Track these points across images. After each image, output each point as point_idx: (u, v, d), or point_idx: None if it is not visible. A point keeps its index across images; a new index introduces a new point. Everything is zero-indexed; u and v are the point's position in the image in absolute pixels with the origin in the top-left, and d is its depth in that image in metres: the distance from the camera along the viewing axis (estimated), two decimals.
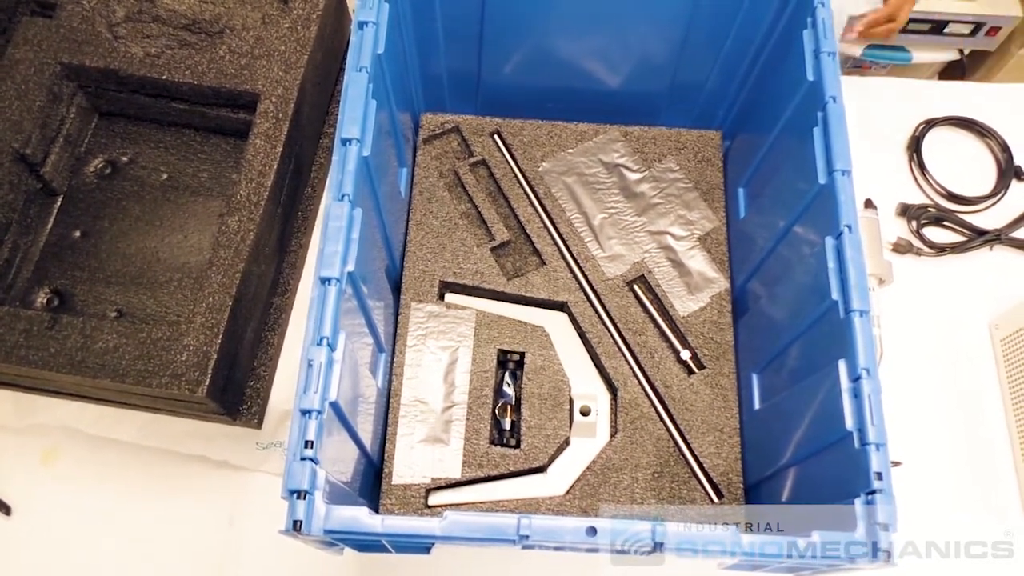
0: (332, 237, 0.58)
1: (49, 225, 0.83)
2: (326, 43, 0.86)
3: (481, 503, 0.73)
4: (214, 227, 0.80)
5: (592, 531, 0.50)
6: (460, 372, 0.78)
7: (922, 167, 0.98)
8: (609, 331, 0.81)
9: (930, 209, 0.95)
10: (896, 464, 0.58)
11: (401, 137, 0.82)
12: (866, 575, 0.54)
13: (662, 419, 0.77)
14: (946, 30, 1.23)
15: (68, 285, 0.81)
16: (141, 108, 0.86)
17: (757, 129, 0.81)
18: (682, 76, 0.85)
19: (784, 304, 0.72)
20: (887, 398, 0.55)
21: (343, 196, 0.60)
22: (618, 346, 0.80)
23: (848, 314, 0.58)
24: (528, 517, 0.50)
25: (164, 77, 0.80)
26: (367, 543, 0.57)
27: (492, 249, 0.84)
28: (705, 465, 0.75)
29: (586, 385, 0.79)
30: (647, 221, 0.87)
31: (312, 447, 0.52)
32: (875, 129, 1.00)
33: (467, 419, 0.76)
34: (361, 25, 0.65)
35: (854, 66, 1.33)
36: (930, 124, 1.00)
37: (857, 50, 1.27)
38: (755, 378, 0.76)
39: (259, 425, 0.80)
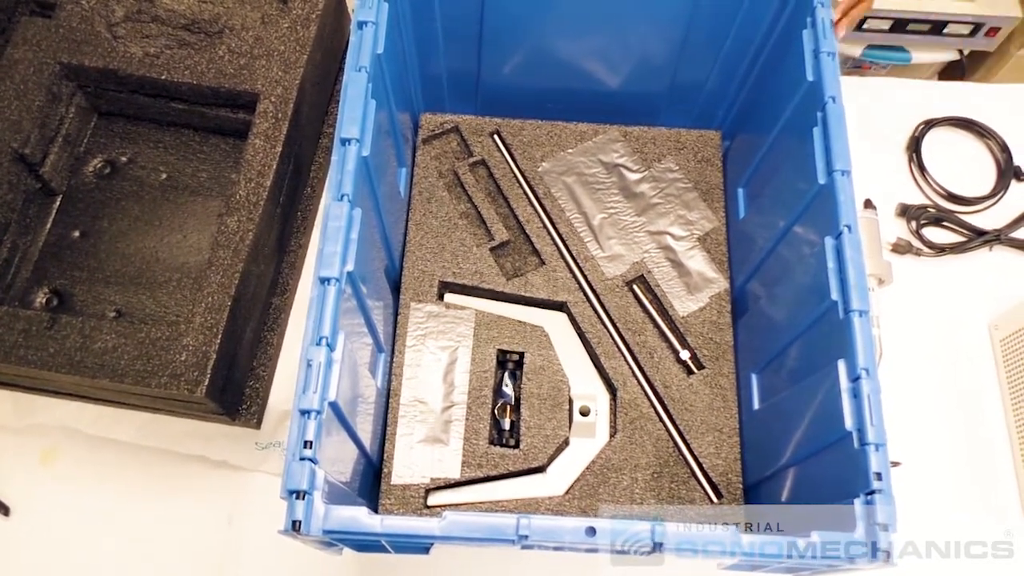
0: (331, 237, 0.58)
1: (48, 225, 0.83)
2: (325, 43, 0.86)
3: (480, 503, 0.73)
4: (213, 227, 0.79)
5: (591, 531, 0.50)
6: (459, 372, 0.78)
7: (922, 167, 0.98)
8: (608, 331, 0.81)
9: (930, 209, 0.95)
10: (896, 464, 0.58)
11: (400, 137, 0.82)
12: (866, 575, 0.54)
13: (661, 419, 0.77)
14: (945, 30, 1.23)
15: (67, 285, 0.81)
16: (140, 108, 0.86)
17: (757, 129, 0.81)
18: (682, 76, 0.85)
19: (784, 304, 0.72)
20: (886, 398, 0.55)
21: (342, 196, 0.60)
22: (617, 346, 0.80)
23: (847, 314, 0.58)
24: (527, 517, 0.50)
25: (163, 77, 0.80)
26: (366, 543, 0.57)
27: (491, 249, 0.84)
28: (704, 465, 0.75)
29: (585, 385, 0.79)
30: (647, 221, 0.87)
31: (311, 447, 0.52)
32: (875, 129, 1.00)
33: (466, 419, 0.76)
34: (360, 25, 0.65)
35: (854, 66, 1.33)
36: (929, 124, 1.00)
37: (857, 50, 1.27)
38: (754, 378, 0.76)
39: (258, 425, 0.80)
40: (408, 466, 0.74)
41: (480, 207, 0.86)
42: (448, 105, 0.91)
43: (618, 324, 0.81)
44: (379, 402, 0.75)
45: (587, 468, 0.75)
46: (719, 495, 0.75)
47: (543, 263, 0.84)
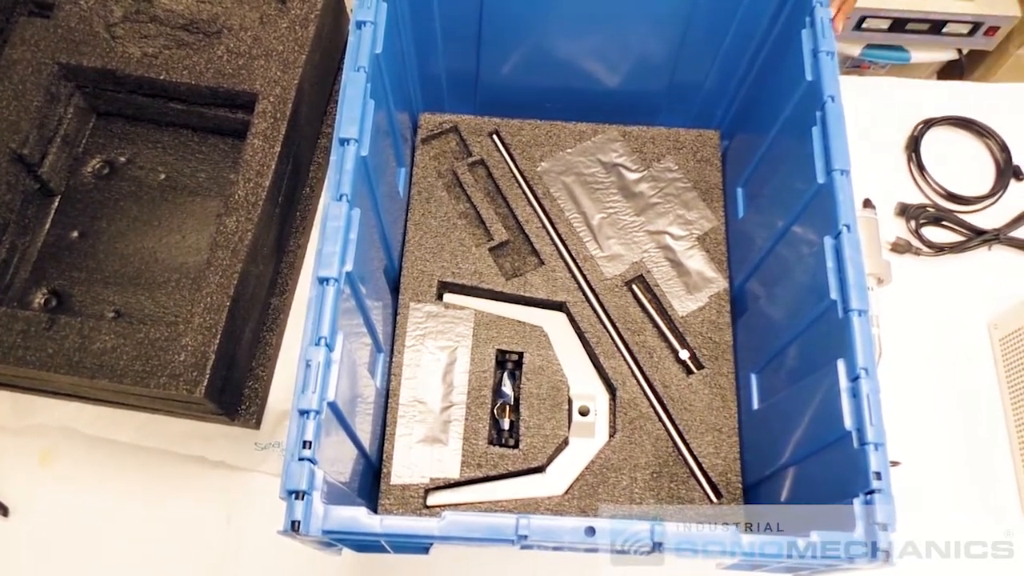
0: (330, 237, 0.58)
1: (47, 225, 0.83)
2: (324, 43, 0.86)
3: (480, 503, 0.73)
4: (212, 227, 0.79)
5: (591, 531, 0.50)
6: (459, 372, 0.78)
7: (921, 167, 0.98)
8: (608, 331, 0.81)
9: (929, 209, 0.95)
10: (895, 464, 0.59)
11: (399, 137, 0.82)
12: (865, 575, 0.54)
13: (661, 419, 0.77)
14: (944, 30, 1.23)
15: (66, 285, 0.81)
16: (139, 108, 0.86)
17: (756, 129, 0.81)
18: (680, 76, 0.85)
19: (783, 304, 0.72)
20: (886, 398, 0.55)
21: (341, 196, 0.60)
22: (617, 346, 0.80)
23: (847, 313, 0.58)
24: (527, 517, 0.50)
25: (162, 77, 0.80)
26: (365, 543, 0.57)
27: (491, 249, 0.84)
28: (704, 465, 0.75)
29: (585, 385, 0.79)
30: (646, 221, 0.87)
31: (310, 447, 0.52)
32: (874, 129, 1.00)
33: (466, 419, 0.76)
34: (359, 25, 0.65)
35: (853, 66, 1.33)
36: (929, 124, 1.00)
37: (856, 49, 1.27)
38: (754, 378, 0.76)
39: (257, 425, 0.80)
40: (407, 466, 0.74)
41: (479, 207, 0.86)
42: (447, 105, 0.91)
43: (617, 324, 0.81)
44: (378, 402, 0.75)
45: (586, 468, 0.75)
46: (719, 495, 0.74)
47: (542, 263, 0.84)
